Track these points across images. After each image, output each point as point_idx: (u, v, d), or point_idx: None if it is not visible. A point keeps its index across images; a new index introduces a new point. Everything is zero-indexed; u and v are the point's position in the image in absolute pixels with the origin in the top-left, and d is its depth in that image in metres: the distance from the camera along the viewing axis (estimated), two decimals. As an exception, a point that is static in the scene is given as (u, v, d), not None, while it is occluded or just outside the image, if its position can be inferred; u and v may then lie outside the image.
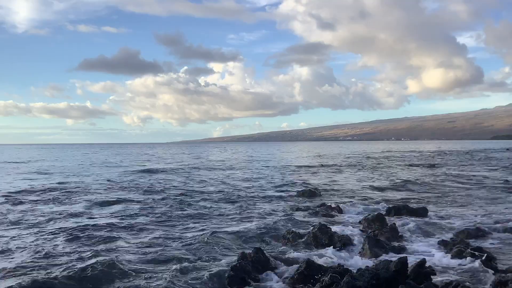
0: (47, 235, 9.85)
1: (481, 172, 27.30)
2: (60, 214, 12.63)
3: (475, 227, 9.84)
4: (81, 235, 9.73)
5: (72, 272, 6.82)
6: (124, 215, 12.44)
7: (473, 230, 9.45)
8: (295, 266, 6.90)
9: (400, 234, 9.36)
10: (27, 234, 10.00)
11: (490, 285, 6.18)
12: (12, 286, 6.27)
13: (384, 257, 7.45)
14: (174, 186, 20.81)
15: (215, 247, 8.58)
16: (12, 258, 8.02)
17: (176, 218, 12.07)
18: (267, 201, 15.61)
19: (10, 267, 7.37)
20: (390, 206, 12.43)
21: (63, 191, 18.33)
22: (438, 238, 9.10)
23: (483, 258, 7.07)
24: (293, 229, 9.61)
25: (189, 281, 6.58)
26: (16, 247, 8.73)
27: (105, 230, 10.31)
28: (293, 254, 8.03)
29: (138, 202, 15.25)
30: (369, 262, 7.18)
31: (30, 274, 7.00)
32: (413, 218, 11.31)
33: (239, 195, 17.49)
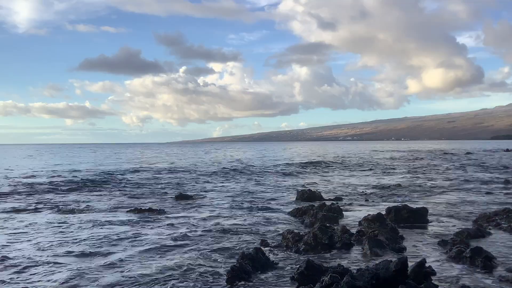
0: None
1: (480, 173, 27.29)
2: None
3: (475, 227, 9.83)
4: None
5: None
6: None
7: (473, 230, 9.43)
8: (295, 266, 6.90)
9: (400, 234, 9.36)
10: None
11: (490, 285, 6.18)
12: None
13: (384, 257, 7.44)
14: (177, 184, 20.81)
15: (213, 247, 8.58)
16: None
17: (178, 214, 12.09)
18: (267, 201, 15.59)
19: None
20: (390, 206, 12.41)
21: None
22: (438, 238, 9.10)
23: (483, 258, 7.07)
24: (293, 229, 9.61)
25: (188, 281, 6.57)
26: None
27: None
28: (293, 254, 8.04)
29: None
30: (369, 262, 7.18)
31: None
32: (412, 218, 11.28)
33: (238, 194, 17.49)
